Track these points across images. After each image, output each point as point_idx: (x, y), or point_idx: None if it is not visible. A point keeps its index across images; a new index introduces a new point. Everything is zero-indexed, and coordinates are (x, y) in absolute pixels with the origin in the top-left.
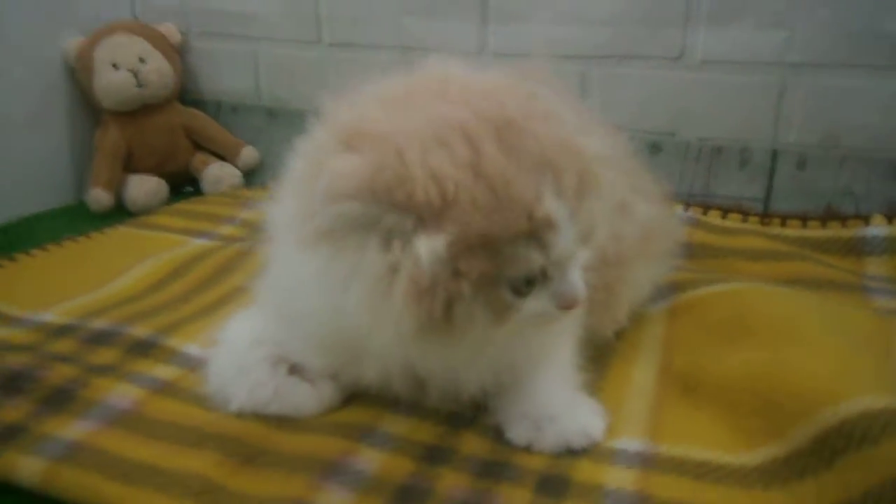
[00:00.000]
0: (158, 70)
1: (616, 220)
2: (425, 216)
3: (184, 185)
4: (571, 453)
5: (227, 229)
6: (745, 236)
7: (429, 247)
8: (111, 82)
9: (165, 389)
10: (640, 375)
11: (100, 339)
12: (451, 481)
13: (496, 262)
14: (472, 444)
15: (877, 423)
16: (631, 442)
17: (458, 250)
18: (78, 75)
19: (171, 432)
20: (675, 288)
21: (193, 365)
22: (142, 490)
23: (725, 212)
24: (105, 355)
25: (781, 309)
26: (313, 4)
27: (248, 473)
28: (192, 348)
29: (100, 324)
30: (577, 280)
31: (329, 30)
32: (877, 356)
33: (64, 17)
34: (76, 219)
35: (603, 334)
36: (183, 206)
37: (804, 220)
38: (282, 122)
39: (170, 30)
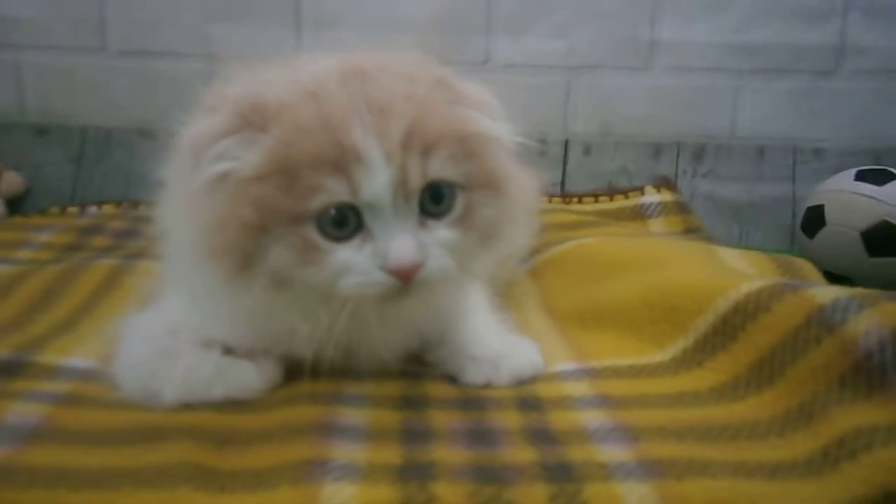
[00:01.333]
0: None
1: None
2: (246, 137)
3: None
4: (522, 383)
5: (26, 253)
6: (554, 213)
7: (228, 167)
8: None
9: (70, 401)
10: (535, 317)
11: None
12: (443, 418)
13: (293, 190)
14: (439, 390)
15: (762, 296)
16: (566, 364)
17: (260, 173)
18: None
19: (114, 436)
20: (533, 251)
21: (87, 376)
22: (119, 492)
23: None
24: None
25: (636, 246)
26: (97, 6)
27: (235, 453)
28: (75, 361)
29: None
30: (405, 242)
31: (116, 36)
32: (721, 265)
33: None
34: None
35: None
36: None
37: (596, 196)
38: (55, 140)
39: None
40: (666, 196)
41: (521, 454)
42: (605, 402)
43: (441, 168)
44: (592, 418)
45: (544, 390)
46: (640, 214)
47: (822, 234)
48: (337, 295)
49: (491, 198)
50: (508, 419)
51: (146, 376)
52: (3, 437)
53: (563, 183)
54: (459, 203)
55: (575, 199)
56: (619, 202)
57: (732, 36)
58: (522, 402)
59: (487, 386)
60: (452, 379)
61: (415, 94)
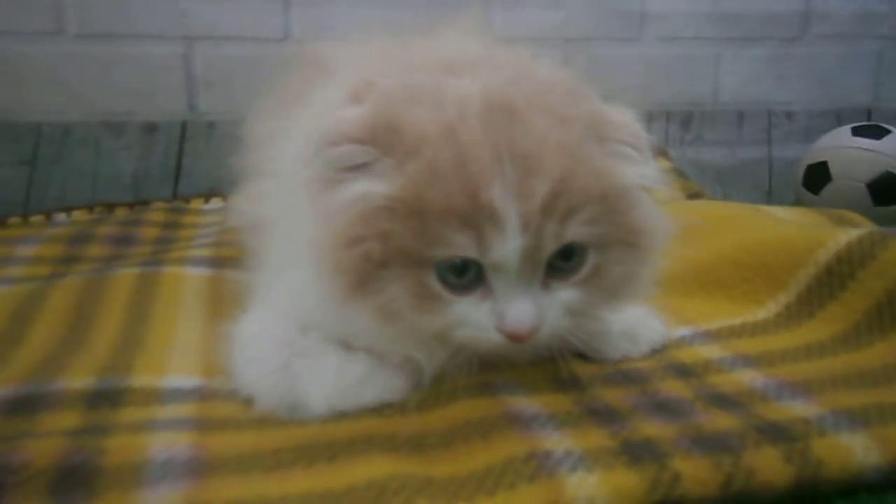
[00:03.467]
0: None
1: None
2: (381, 162)
3: None
4: (656, 353)
5: (19, 270)
6: None
7: (367, 189)
8: None
9: (207, 425)
10: None
11: (26, 405)
12: (614, 395)
13: (420, 234)
14: (580, 369)
15: (865, 244)
16: (681, 330)
17: (392, 206)
18: None
19: (290, 456)
20: None
21: (202, 396)
22: None
23: None
24: (66, 420)
25: (695, 211)
26: None
27: (438, 457)
28: (176, 381)
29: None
30: (526, 309)
31: (75, 17)
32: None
33: None
34: None
35: None
36: None
37: None
38: (2, 139)
39: None
40: (663, 164)
41: (722, 420)
42: (747, 361)
43: (578, 231)
44: (751, 378)
45: (683, 356)
46: None
47: (829, 189)
48: (451, 341)
49: (626, 255)
50: (676, 388)
51: (285, 385)
52: (167, 474)
53: None
54: (590, 262)
55: None
56: None
57: (713, 5)
58: (674, 371)
59: (624, 359)
60: (580, 356)
61: (566, 142)
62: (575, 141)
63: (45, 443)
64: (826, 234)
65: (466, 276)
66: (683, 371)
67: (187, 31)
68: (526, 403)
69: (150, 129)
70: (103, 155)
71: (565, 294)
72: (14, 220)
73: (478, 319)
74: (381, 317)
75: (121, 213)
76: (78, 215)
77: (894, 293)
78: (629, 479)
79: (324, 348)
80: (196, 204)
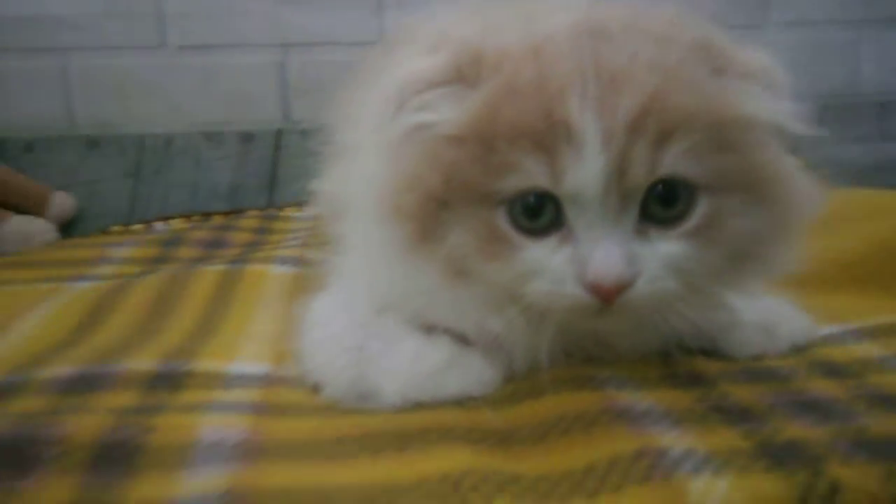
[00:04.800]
0: None
1: None
2: (456, 91)
3: None
4: (799, 350)
5: (108, 268)
6: None
7: (432, 118)
8: None
9: (266, 410)
10: None
11: (82, 384)
12: (746, 393)
13: (487, 163)
14: (703, 365)
15: None
16: (828, 328)
17: (460, 133)
18: None
19: (353, 445)
20: None
21: (268, 382)
22: None
23: None
24: (120, 398)
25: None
26: None
27: (527, 453)
28: (241, 367)
29: (61, 371)
30: (612, 253)
31: (177, 29)
32: None
33: None
34: None
35: None
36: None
37: None
38: (108, 152)
39: None
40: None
41: (888, 423)
42: None
43: (679, 162)
44: None
45: (835, 354)
46: None
47: None
48: (523, 300)
49: (750, 205)
50: (828, 387)
51: (356, 370)
52: (214, 456)
53: None
54: (700, 209)
55: None
56: None
57: None
58: (824, 369)
59: (760, 356)
60: (705, 353)
61: (663, 60)
62: (675, 60)
63: (90, 418)
64: None
65: (542, 217)
66: (835, 370)
67: (283, 38)
68: (636, 398)
69: (247, 138)
70: (202, 165)
71: (668, 246)
72: (115, 228)
73: (555, 267)
74: (449, 272)
75: (216, 220)
76: (176, 224)
77: None
78: (772, 485)
79: (401, 331)
80: (289, 212)
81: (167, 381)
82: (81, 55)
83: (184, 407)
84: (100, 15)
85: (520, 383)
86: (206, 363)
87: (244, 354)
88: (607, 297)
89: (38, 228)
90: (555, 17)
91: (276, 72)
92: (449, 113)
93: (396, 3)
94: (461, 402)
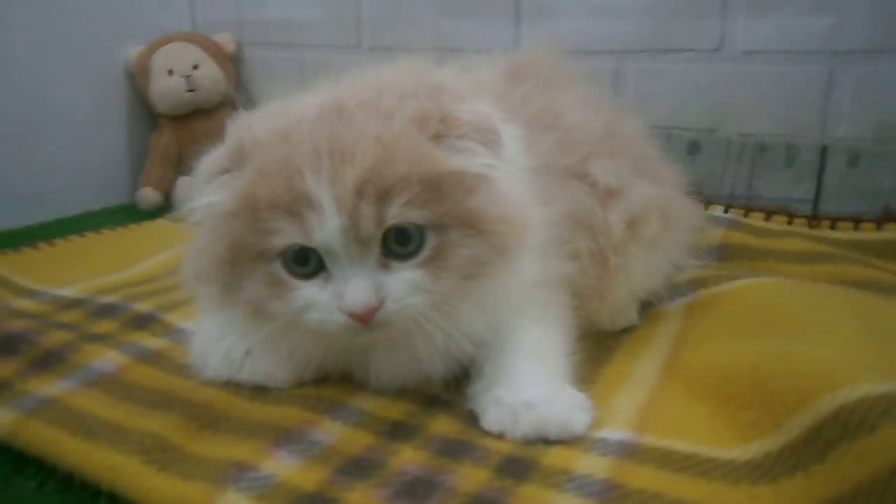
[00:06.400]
0: (210, 76)
1: (596, 209)
2: (231, 178)
3: None
4: (543, 441)
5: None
6: (788, 238)
7: (211, 200)
8: (165, 87)
9: (150, 358)
10: (641, 369)
11: (104, 311)
12: (407, 456)
13: (256, 227)
14: (442, 424)
15: (875, 408)
16: (614, 433)
17: (233, 209)
18: (136, 81)
19: (144, 395)
20: (696, 284)
21: (183, 338)
22: (97, 445)
23: (769, 214)
24: (104, 326)
25: (803, 301)
26: (355, 7)
27: (205, 437)
28: (188, 324)
29: (108, 299)
30: (358, 286)
31: (369, 33)
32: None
33: (127, 28)
34: (125, 216)
35: (602, 326)
36: None
37: (857, 221)
38: None
39: (225, 39)
40: None
41: None
42: (604, 492)
43: (402, 213)
44: None
45: (551, 456)
46: None
47: None
48: (305, 327)
49: (471, 238)
50: (472, 479)
51: (201, 352)
52: (78, 377)
53: (815, 200)
54: (430, 243)
55: (826, 223)
56: (891, 232)
57: None
58: (508, 463)
59: (502, 436)
60: (475, 418)
61: (384, 134)
62: (395, 133)
63: (60, 334)
64: (853, 374)
65: (309, 264)
66: (514, 470)
67: (440, 43)
68: (327, 428)
69: None
70: None
71: (408, 274)
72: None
73: (322, 302)
74: (250, 313)
75: None
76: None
77: (863, 491)
78: None
79: (229, 333)
80: None
81: (138, 322)
82: (310, 51)
83: (117, 342)
84: (321, 19)
85: (294, 389)
86: (173, 317)
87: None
88: (363, 318)
89: None
90: (308, 100)
91: None
92: (225, 195)
93: (531, 14)
94: (239, 390)
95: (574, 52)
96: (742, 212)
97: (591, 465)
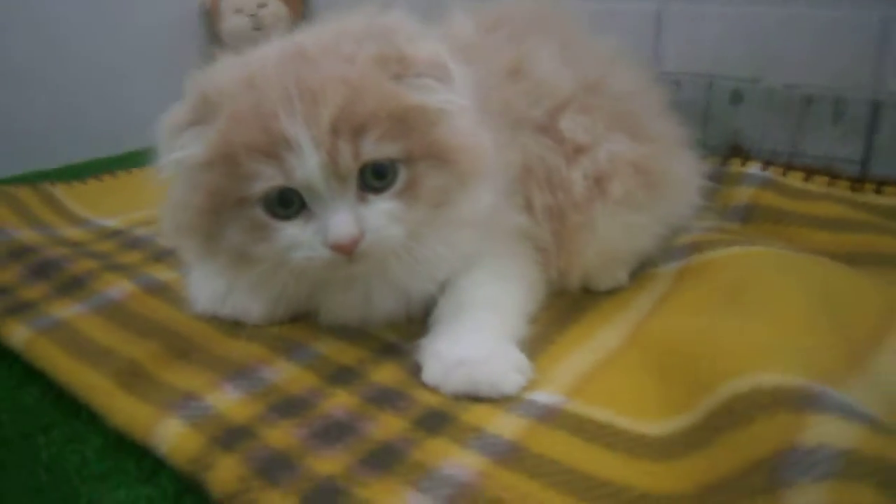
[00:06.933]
0: (275, 14)
1: (557, 163)
2: (196, 129)
3: None
4: (471, 398)
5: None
6: (820, 202)
7: (184, 154)
8: (234, 26)
9: (157, 289)
10: (605, 333)
11: (134, 243)
12: (339, 400)
13: (235, 174)
14: (386, 373)
15: (761, 400)
16: (546, 395)
17: (208, 159)
18: (210, 20)
19: (139, 324)
20: (692, 249)
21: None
22: (84, 366)
23: (810, 173)
24: (131, 256)
25: (775, 277)
26: None
27: (176, 367)
28: None
29: (141, 231)
30: (342, 220)
31: None
32: (851, 340)
33: None
34: None
35: (585, 285)
36: None
37: None
38: None
39: None
40: None
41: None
42: (504, 452)
43: (375, 149)
44: (455, 462)
45: (471, 413)
46: None
47: None
48: (291, 266)
49: (437, 168)
50: (388, 427)
51: (195, 289)
52: (91, 302)
53: (864, 161)
54: (402, 176)
55: (870, 187)
56: None
57: None
58: (427, 416)
59: (436, 389)
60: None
61: (350, 75)
62: (359, 73)
63: (88, 262)
64: (755, 363)
65: (291, 206)
66: (428, 422)
67: None
68: (278, 367)
69: None
70: None
71: (384, 204)
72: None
73: (306, 239)
74: (234, 259)
75: None
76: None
77: (731, 478)
78: (190, 443)
79: (215, 276)
80: None
81: (160, 256)
82: None
83: (134, 273)
84: None
85: (267, 328)
86: None
87: None
88: (347, 250)
89: None
90: (267, 48)
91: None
92: (196, 147)
93: None
94: (223, 326)
95: None
96: (781, 170)
97: (504, 426)
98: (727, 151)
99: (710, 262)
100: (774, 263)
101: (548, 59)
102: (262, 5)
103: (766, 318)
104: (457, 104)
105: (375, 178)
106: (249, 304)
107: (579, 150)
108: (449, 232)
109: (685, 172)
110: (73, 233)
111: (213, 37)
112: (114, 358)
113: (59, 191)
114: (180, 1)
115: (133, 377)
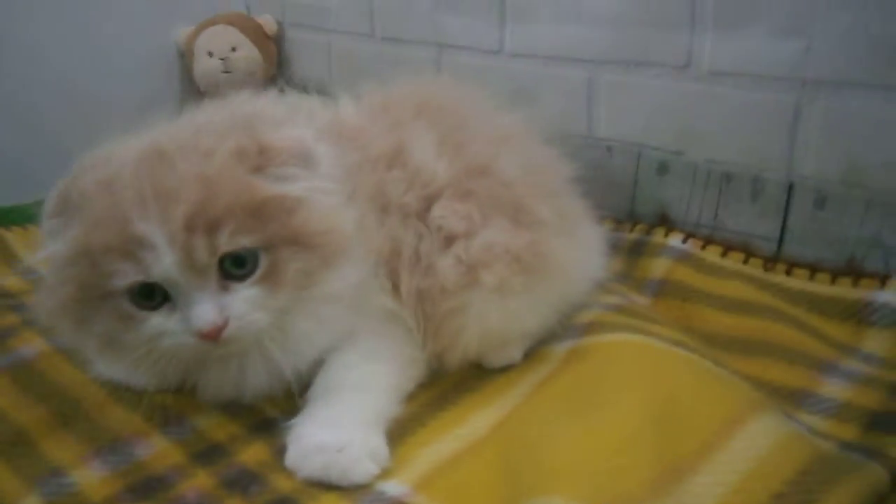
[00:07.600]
0: (246, 58)
1: (427, 250)
2: (62, 225)
3: None
4: (324, 483)
5: None
6: (732, 280)
7: (52, 250)
8: (205, 68)
9: (67, 349)
10: (475, 420)
11: None
12: (197, 482)
13: (97, 271)
14: (251, 454)
15: None
16: (395, 486)
17: (71, 256)
18: (186, 62)
19: (38, 385)
20: (586, 329)
21: None
22: None
23: (728, 249)
24: None
25: (633, 378)
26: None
27: (58, 435)
28: None
29: None
30: (203, 310)
31: (381, 23)
32: (677, 455)
33: (181, 9)
34: None
35: (451, 365)
36: None
37: (813, 271)
38: None
39: (267, 21)
40: None
41: None
42: None
43: (231, 241)
44: None
45: (317, 502)
46: (857, 316)
47: None
48: (161, 351)
49: (299, 252)
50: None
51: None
52: (5, 360)
53: (780, 240)
54: (263, 263)
55: (782, 268)
56: (842, 288)
57: None
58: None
59: (293, 474)
60: None
61: (206, 172)
62: (215, 170)
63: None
64: (547, 483)
65: (155, 298)
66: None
67: (438, 38)
68: (153, 441)
69: None
70: None
71: (246, 291)
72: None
73: (171, 328)
74: (104, 344)
75: None
76: None
77: None
78: None
79: None
80: None
81: None
82: (336, 36)
83: None
84: (341, 6)
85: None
86: None
87: None
88: (211, 336)
89: None
90: (128, 148)
91: (432, 66)
92: (61, 242)
93: (514, 17)
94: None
95: (552, 58)
96: (702, 242)
97: None
98: (655, 220)
99: (593, 347)
100: (639, 359)
101: (425, 147)
102: (233, 48)
103: (595, 427)
104: (320, 188)
105: (235, 267)
106: (136, 375)
107: (451, 238)
108: (317, 308)
109: (574, 254)
110: (11, 281)
111: (189, 78)
112: (2, 424)
113: (13, 235)
114: (158, 41)
115: (13, 447)
